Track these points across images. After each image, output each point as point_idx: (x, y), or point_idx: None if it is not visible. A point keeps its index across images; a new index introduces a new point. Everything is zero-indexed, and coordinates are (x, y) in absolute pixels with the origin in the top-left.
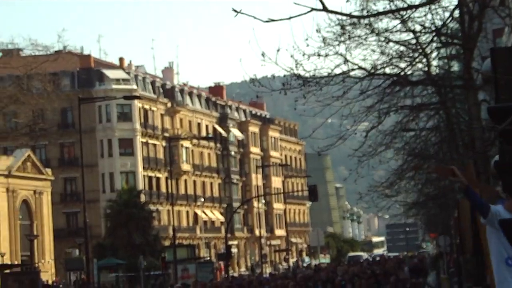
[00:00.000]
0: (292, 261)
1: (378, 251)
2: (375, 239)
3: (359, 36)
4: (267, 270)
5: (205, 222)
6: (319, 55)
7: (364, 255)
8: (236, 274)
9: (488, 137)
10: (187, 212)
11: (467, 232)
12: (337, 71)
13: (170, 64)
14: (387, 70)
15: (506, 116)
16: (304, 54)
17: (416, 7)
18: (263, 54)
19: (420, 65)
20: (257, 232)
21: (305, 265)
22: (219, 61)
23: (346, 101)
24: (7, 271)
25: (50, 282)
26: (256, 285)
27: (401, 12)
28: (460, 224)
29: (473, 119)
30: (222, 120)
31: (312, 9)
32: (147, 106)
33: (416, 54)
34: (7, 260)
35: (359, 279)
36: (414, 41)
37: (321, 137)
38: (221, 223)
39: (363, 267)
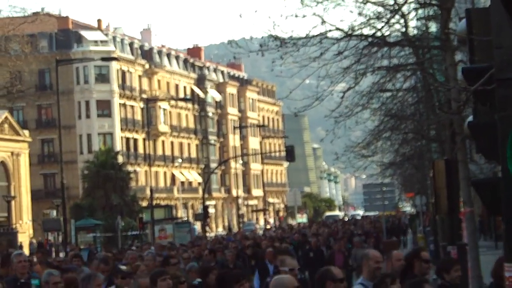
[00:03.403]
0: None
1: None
2: None
3: None
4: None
5: (182, 183)
6: (296, 16)
7: (341, 214)
8: (213, 234)
9: (463, 98)
10: (165, 173)
11: (442, 191)
12: (315, 32)
13: (149, 25)
14: (365, 31)
15: (479, 77)
16: (281, 15)
17: None
18: (240, 16)
19: (397, 26)
20: (234, 193)
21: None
22: (198, 23)
23: (323, 62)
24: None
25: (27, 242)
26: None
27: None
28: (435, 183)
29: (450, 80)
30: (200, 82)
31: None
32: (125, 68)
33: (394, 15)
34: None
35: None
36: (392, 2)
37: (299, 98)
38: (199, 183)
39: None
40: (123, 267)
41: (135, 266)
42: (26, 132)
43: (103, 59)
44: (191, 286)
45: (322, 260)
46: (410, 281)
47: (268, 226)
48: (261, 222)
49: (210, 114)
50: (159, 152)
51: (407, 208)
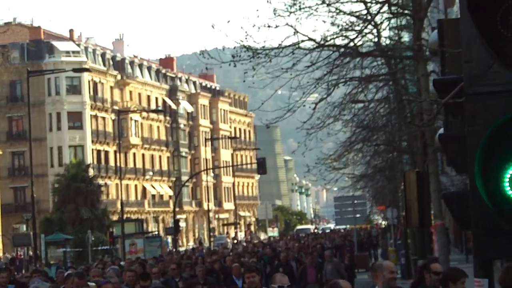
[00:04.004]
0: (240, 235)
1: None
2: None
3: (309, 7)
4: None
5: (153, 196)
6: (269, 26)
7: (312, 227)
8: (183, 249)
9: (434, 110)
10: (136, 186)
11: (413, 204)
12: (287, 42)
13: (121, 36)
14: (337, 42)
15: (450, 89)
16: (254, 25)
17: None
18: (213, 26)
19: (370, 36)
20: (205, 206)
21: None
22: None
23: (295, 72)
24: None
25: None
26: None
27: None
28: (406, 196)
29: (422, 91)
30: (172, 93)
31: None
32: (96, 79)
33: (366, 25)
34: None
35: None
36: (364, 12)
37: (271, 109)
38: (170, 196)
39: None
40: (92, 284)
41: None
42: None
43: (75, 70)
44: None
45: (292, 275)
46: None
47: (235, 241)
48: (232, 235)
49: (181, 126)
50: (130, 164)
51: (379, 221)
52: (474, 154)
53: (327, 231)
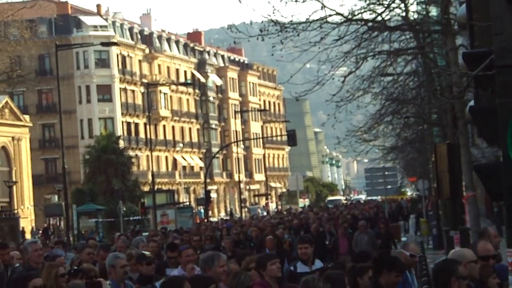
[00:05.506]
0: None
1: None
2: None
3: None
4: (247, 215)
5: (184, 167)
6: (296, 1)
7: (342, 199)
8: (215, 219)
9: (464, 83)
10: (166, 157)
11: (444, 176)
12: (315, 16)
13: (148, 10)
14: (365, 16)
15: (480, 62)
16: (281, 0)
17: None
18: (240, 1)
19: (398, 11)
20: (236, 177)
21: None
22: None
23: (323, 46)
24: None
25: (29, 228)
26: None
27: None
28: (437, 168)
29: (451, 64)
30: (201, 66)
31: None
32: (125, 53)
33: None
34: None
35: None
36: None
37: (299, 82)
38: (200, 168)
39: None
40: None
41: (129, 253)
42: (27, 117)
43: (103, 44)
44: None
45: (324, 247)
46: None
47: (264, 212)
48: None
49: (211, 99)
50: (161, 136)
51: (408, 192)
52: (506, 125)
53: (360, 201)
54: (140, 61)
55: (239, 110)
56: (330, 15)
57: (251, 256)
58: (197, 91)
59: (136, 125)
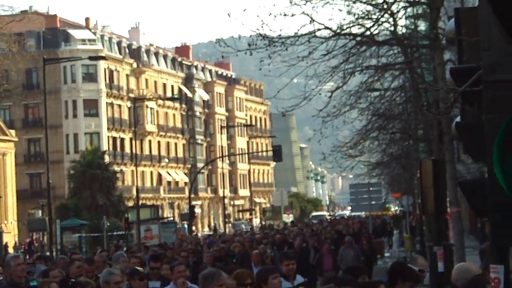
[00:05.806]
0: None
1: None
2: None
3: None
4: (231, 230)
5: (169, 182)
6: (285, 15)
7: (327, 214)
8: (199, 234)
9: (451, 98)
10: (151, 172)
11: (429, 191)
12: (303, 31)
13: (137, 24)
14: (353, 30)
15: (467, 77)
16: (270, 14)
17: None
18: (229, 15)
19: (386, 25)
20: (221, 192)
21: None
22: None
23: (311, 61)
24: None
25: (12, 242)
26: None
27: None
28: (422, 183)
29: (438, 79)
30: (188, 81)
31: None
32: (112, 67)
33: (383, 13)
34: None
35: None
36: (381, 0)
37: (287, 97)
38: (185, 183)
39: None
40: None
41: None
42: (13, 131)
43: (91, 58)
44: None
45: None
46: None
47: (248, 227)
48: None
49: (197, 114)
50: (146, 151)
51: (392, 208)
52: (492, 141)
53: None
54: (127, 76)
55: (225, 125)
56: (318, 29)
57: (241, 270)
58: (183, 106)
59: (122, 140)
